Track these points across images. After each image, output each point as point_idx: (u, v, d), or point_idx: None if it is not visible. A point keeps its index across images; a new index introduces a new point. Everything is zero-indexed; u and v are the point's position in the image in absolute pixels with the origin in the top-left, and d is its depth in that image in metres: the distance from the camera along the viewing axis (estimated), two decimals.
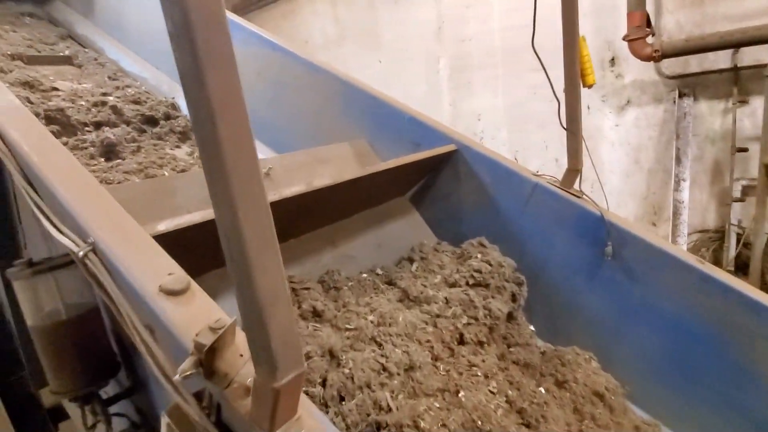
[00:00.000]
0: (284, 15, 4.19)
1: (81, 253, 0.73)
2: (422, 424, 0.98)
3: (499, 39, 3.00)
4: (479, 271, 1.49)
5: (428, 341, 1.29)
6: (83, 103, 2.54)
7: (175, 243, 0.86)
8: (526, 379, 1.38)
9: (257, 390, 0.50)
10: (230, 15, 2.41)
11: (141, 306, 0.64)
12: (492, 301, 1.46)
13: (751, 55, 2.45)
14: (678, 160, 2.72)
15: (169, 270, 0.68)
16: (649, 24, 2.54)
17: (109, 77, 2.99)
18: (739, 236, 2.66)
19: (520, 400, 1.26)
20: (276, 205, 1.17)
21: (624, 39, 2.58)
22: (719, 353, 1.27)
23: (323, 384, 1.00)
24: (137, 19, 3.00)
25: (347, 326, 1.15)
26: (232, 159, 0.43)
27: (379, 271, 1.49)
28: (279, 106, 2.27)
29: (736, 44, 2.38)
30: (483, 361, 1.31)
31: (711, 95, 2.65)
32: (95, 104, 2.55)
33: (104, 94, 2.68)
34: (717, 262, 2.74)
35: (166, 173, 2.12)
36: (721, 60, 2.53)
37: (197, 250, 0.87)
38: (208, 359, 0.51)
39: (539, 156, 3.02)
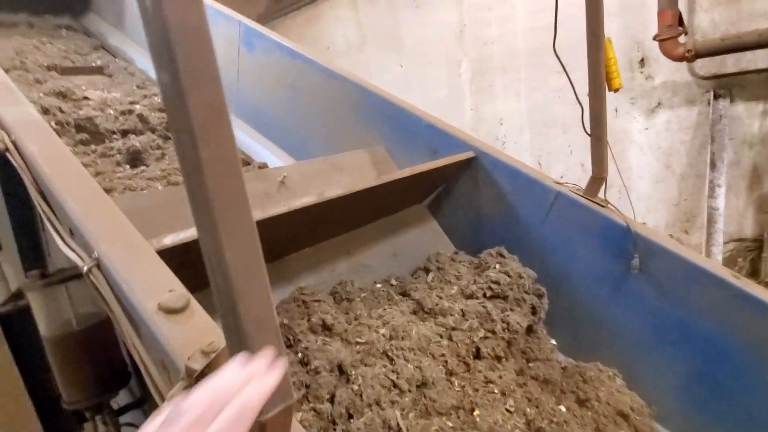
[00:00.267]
0: (308, 21, 4.23)
1: (85, 268, 0.73)
2: None
3: (522, 41, 2.93)
4: (497, 283, 1.44)
5: (443, 355, 1.25)
6: (111, 111, 2.62)
7: (183, 255, 0.86)
8: (545, 396, 1.32)
9: None
10: (251, 23, 2.44)
11: (140, 323, 0.63)
12: (510, 313, 1.41)
13: None
14: (713, 165, 2.59)
15: (170, 286, 0.67)
16: (681, 23, 2.42)
17: (138, 86, 3.07)
18: None
19: (539, 419, 1.20)
20: (290, 215, 1.16)
21: (654, 39, 2.47)
22: (755, 374, 1.18)
23: (331, 400, 0.98)
24: None
25: (358, 340, 1.12)
26: (215, 182, 0.41)
27: (394, 282, 1.46)
28: (298, 112, 2.28)
29: None
30: (500, 377, 1.26)
31: (749, 96, 2.51)
32: (123, 112, 2.62)
33: (132, 103, 2.75)
34: (755, 272, 2.58)
35: None
36: (759, 59, 2.39)
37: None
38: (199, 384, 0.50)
39: (563, 160, 2.92)
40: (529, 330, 1.52)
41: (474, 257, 1.59)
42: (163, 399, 0.58)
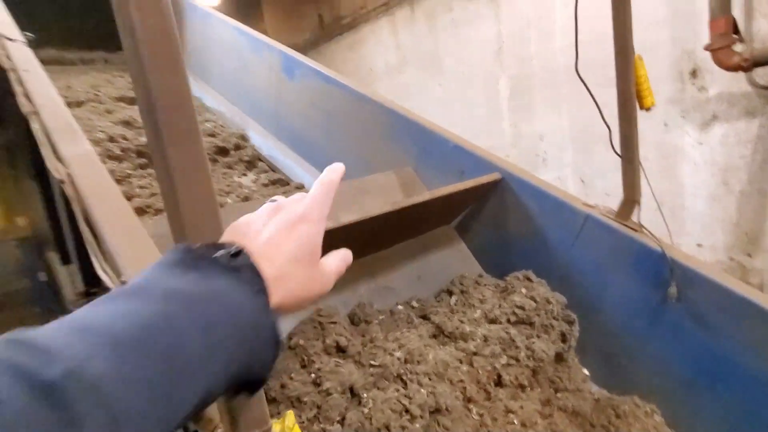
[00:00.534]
0: (351, 46, 4.39)
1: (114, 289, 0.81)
2: None
3: (562, 57, 2.86)
4: (522, 308, 1.40)
5: (461, 381, 1.23)
6: None
7: None
8: (572, 429, 1.26)
9: None
10: (290, 52, 2.58)
11: None
12: (536, 340, 1.36)
13: None
14: None
15: None
16: (736, 30, 2.27)
17: None
18: None
19: None
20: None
21: (706, 49, 2.32)
22: None
23: (341, 422, 1.00)
24: (216, 59, 3.31)
25: (372, 362, 1.13)
26: (193, 228, 0.45)
27: (415, 304, 1.47)
28: (333, 135, 2.37)
29: None
30: (521, 407, 1.22)
31: None
32: None
33: None
34: None
35: (230, 200, 2.29)
36: None
37: None
38: None
39: (608, 178, 2.78)
40: (559, 358, 1.46)
41: (500, 280, 1.55)
42: None
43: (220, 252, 0.42)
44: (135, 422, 0.31)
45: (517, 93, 3.17)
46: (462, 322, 1.39)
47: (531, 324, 1.40)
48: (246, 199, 2.33)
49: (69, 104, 3.01)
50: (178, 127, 0.44)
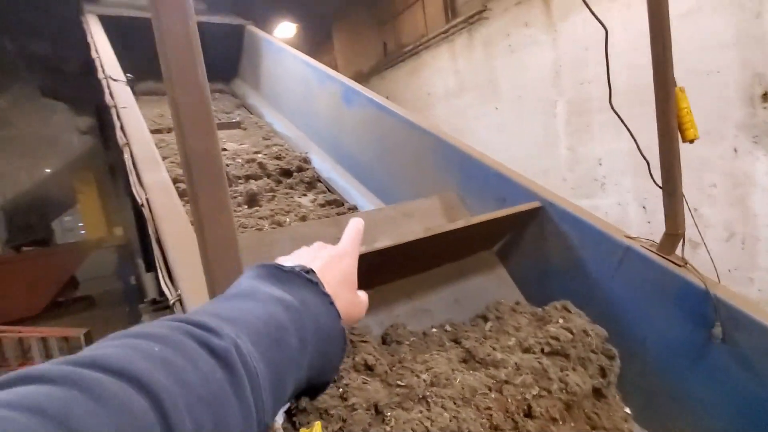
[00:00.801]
0: (411, 72, 4.54)
1: (171, 301, 0.96)
2: None
3: (622, 79, 2.75)
4: (557, 339, 1.39)
5: (488, 408, 1.25)
6: (240, 160, 3.14)
7: None
8: None
9: None
10: (350, 82, 2.76)
11: None
12: (571, 373, 1.34)
13: None
14: None
15: None
16: None
17: (263, 137, 3.63)
18: None
19: None
20: (361, 258, 1.30)
21: None
22: None
23: None
24: (287, 88, 3.61)
25: (398, 383, 1.19)
26: (215, 258, 0.57)
27: (448, 328, 1.50)
28: (384, 159, 2.49)
29: None
30: None
31: None
32: (248, 161, 3.12)
33: (255, 152, 3.26)
34: None
35: (288, 219, 2.48)
36: None
37: None
38: None
39: None
40: (599, 394, 1.41)
41: (538, 309, 1.54)
42: None
43: (299, 269, 0.51)
44: (267, 394, 0.40)
45: (574, 116, 3.09)
46: (494, 348, 1.40)
47: (566, 356, 1.38)
48: (303, 218, 2.51)
49: (161, 130, 3.44)
50: (208, 179, 0.56)
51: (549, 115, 3.22)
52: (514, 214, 1.61)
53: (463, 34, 3.94)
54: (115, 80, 2.23)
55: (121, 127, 1.77)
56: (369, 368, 1.20)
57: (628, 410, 1.43)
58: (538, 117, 3.32)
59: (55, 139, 9.17)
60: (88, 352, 0.33)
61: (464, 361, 1.39)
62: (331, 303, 0.52)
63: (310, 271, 0.52)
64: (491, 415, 1.24)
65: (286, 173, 3.04)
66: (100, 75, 2.34)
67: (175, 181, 1.66)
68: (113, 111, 1.97)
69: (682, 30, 2.13)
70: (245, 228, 2.38)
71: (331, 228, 1.71)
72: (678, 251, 1.31)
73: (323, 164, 3.08)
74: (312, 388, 0.52)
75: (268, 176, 3.01)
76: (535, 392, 1.31)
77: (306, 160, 3.13)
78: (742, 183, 2.36)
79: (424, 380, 1.22)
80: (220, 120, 3.86)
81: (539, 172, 3.27)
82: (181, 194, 1.58)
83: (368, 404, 1.12)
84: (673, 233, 1.28)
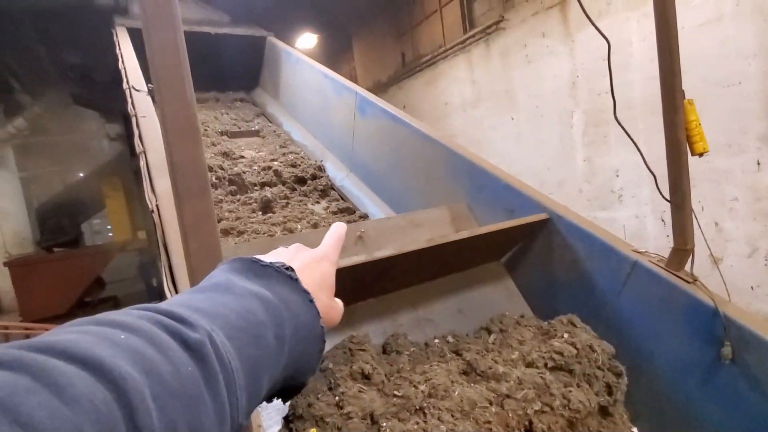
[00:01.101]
0: (428, 82, 4.56)
1: None
2: None
3: (639, 90, 2.70)
4: (560, 353, 1.36)
5: (488, 422, 1.23)
6: (256, 167, 3.20)
7: None
8: None
9: None
10: (365, 93, 2.79)
11: None
12: (574, 390, 1.31)
13: None
14: None
15: None
16: None
17: (280, 146, 3.69)
18: None
19: None
20: (359, 267, 1.31)
21: None
22: None
23: None
24: (304, 98, 3.68)
25: (396, 393, 1.19)
26: (198, 263, 0.58)
27: (450, 339, 1.49)
28: (397, 169, 2.50)
29: None
30: None
31: None
32: (264, 168, 3.18)
33: (272, 160, 3.32)
34: None
35: (299, 226, 2.51)
36: None
37: None
38: None
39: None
40: (605, 412, 1.38)
41: (544, 322, 1.52)
42: None
43: (278, 265, 0.50)
44: (241, 392, 0.38)
45: (591, 127, 3.04)
46: (496, 361, 1.38)
47: (570, 371, 1.35)
48: (315, 226, 2.54)
49: None
50: (193, 189, 0.58)
51: (566, 125, 3.18)
52: (521, 226, 1.59)
53: (481, 44, 3.95)
54: (137, 90, 2.32)
55: (139, 136, 1.84)
56: (366, 377, 1.21)
57: (635, 430, 1.38)
58: (554, 127, 3.28)
59: (85, 145, 9.55)
60: (44, 337, 0.29)
61: (465, 373, 1.37)
62: (311, 301, 0.49)
63: (290, 268, 0.50)
64: (491, 429, 1.22)
65: (301, 181, 3.09)
66: (125, 85, 2.44)
67: None
68: (133, 120, 2.05)
69: (702, 40, 2.07)
70: (258, 234, 2.43)
71: None
72: (687, 267, 1.27)
73: (337, 172, 3.11)
74: (287, 389, 0.50)
75: (283, 183, 3.06)
76: (536, 408, 1.28)
77: (321, 168, 3.17)
78: (765, 196, 2.27)
79: (422, 391, 1.22)
80: (239, 128, 3.95)
81: (555, 183, 3.23)
82: None
83: (364, 413, 1.12)
84: (682, 248, 1.24)
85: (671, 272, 1.27)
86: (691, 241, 1.24)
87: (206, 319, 0.39)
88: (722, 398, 1.16)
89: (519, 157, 3.38)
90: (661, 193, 1.26)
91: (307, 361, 0.50)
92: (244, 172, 3.06)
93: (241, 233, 2.46)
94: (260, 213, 2.76)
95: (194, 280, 0.57)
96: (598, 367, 1.36)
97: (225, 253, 1.54)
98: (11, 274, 7.01)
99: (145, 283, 8.04)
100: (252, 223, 2.57)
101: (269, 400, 0.49)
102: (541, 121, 3.39)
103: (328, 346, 1.33)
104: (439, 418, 1.16)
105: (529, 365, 1.39)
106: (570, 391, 1.30)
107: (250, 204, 2.84)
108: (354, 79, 6.91)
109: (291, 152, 3.49)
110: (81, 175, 9.89)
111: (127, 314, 0.35)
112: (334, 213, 2.76)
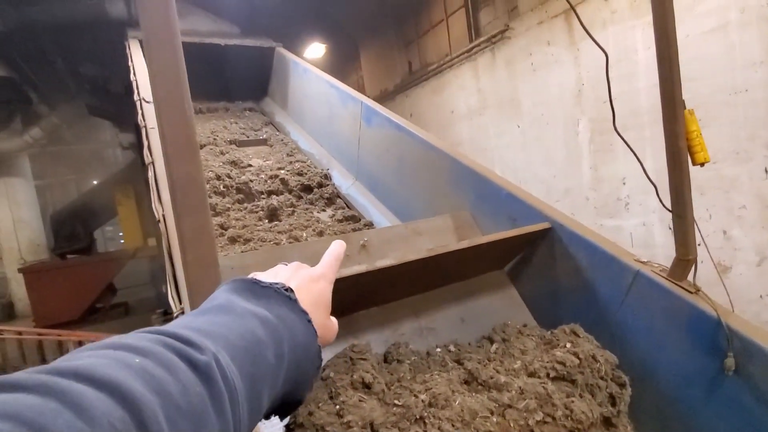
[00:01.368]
0: (434, 90, 4.59)
1: (176, 314, 1.01)
2: None
3: (646, 98, 2.69)
4: (563, 363, 1.35)
5: None
6: (263, 176, 3.24)
7: None
8: None
9: None
10: (370, 102, 2.82)
11: None
12: (576, 400, 1.30)
13: None
14: None
15: None
16: None
17: (287, 154, 3.73)
18: None
19: None
20: (361, 277, 1.32)
21: None
22: None
23: None
24: (311, 107, 3.72)
25: (396, 402, 1.20)
26: (196, 278, 0.60)
27: (452, 348, 1.49)
28: (402, 178, 2.52)
29: None
30: None
31: None
32: (271, 177, 3.21)
33: (279, 168, 3.36)
34: None
35: (305, 234, 2.53)
36: None
37: None
38: None
39: (701, 226, 2.48)
40: (608, 423, 1.37)
41: (547, 332, 1.51)
42: None
43: (278, 286, 0.52)
44: (244, 410, 0.40)
45: (597, 135, 3.03)
46: (498, 371, 1.38)
47: (572, 381, 1.35)
48: (320, 234, 2.56)
49: None
50: (191, 203, 0.60)
51: (571, 133, 3.17)
52: (524, 235, 1.59)
53: (486, 53, 3.97)
54: (147, 102, 2.37)
55: (149, 146, 1.88)
56: (366, 386, 1.21)
57: None
58: (560, 136, 3.28)
59: (99, 154, 9.75)
60: (65, 362, 0.33)
61: (466, 382, 1.37)
62: (309, 321, 0.52)
63: (288, 289, 0.52)
64: None
65: (307, 189, 3.11)
66: (135, 97, 2.50)
67: None
68: (143, 131, 2.10)
69: (708, 48, 2.07)
70: (264, 242, 2.45)
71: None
72: (690, 276, 1.27)
73: (344, 180, 3.14)
74: (285, 405, 0.52)
75: (290, 192, 3.09)
76: (538, 418, 1.28)
77: (327, 177, 3.20)
78: None
79: (423, 400, 1.22)
80: (248, 137, 4.00)
81: (562, 191, 3.22)
82: None
83: (364, 422, 1.12)
84: (684, 258, 1.24)
85: (674, 282, 1.27)
86: (694, 251, 1.23)
87: (211, 340, 0.41)
88: (726, 410, 1.14)
89: (525, 165, 3.37)
90: (662, 203, 1.26)
91: (304, 379, 0.52)
92: (251, 181, 3.10)
93: (247, 241, 2.49)
94: (267, 221, 2.79)
95: (192, 290, 0.59)
96: (601, 378, 1.36)
97: (231, 260, 1.57)
98: (25, 280, 7.15)
99: (156, 290, 8.14)
100: (258, 230, 2.60)
101: (267, 416, 0.51)
102: (547, 129, 3.39)
103: (329, 355, 1.34)
104: (439, 428, 1.16)
105: (531, 375, 1.39)
106: (572, 402, 1.30)
107: (257, 212, 2.87)
108: (361, 88, 6.97)
109: (298, 160, 3.52)
110: (94, 182, 10.09)
111: (140, 338, 0.38)
112: (340, 221, 2.78)
